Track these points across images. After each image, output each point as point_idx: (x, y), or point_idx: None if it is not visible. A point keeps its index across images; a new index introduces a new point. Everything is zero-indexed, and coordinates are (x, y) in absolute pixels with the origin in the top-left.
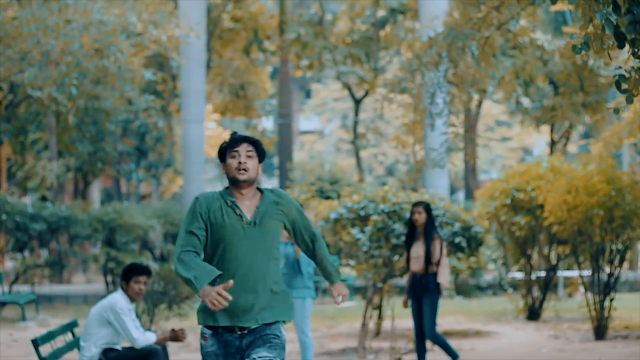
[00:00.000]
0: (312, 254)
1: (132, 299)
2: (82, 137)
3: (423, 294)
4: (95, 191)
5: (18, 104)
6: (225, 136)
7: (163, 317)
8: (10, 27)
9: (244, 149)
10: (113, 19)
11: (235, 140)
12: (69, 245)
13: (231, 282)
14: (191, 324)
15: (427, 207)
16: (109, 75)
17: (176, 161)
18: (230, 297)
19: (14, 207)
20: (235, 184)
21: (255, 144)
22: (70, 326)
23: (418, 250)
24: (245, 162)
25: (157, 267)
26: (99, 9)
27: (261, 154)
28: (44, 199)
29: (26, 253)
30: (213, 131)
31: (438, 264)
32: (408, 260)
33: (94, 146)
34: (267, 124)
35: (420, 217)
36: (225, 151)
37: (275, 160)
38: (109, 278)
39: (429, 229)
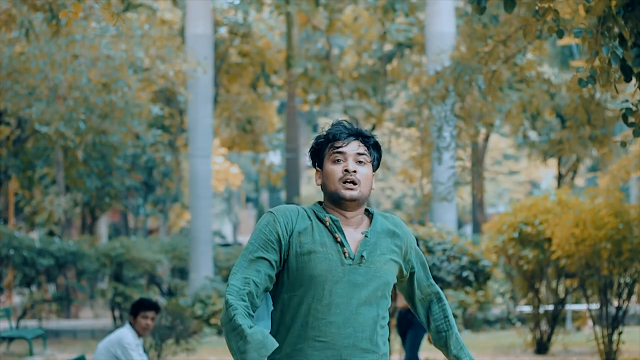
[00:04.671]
0: (427, 320)
1: (139, 334)
2: (90, 172)
3: (408, 329)
4: (103, 226)
5: (26, 139)
6: (235, 172)
7: (170, 352)
8: (18, 62)
9: (353, 149)
10: (120, 54)
11: (342, 135)
12: (77, 280)
13: None
14: (198, 359)
15: None
16: (117, 110)
17: (184, 196)
18: None
19: (21, 242)
20: (336, 202)
21: (371, 142)
22: None
23: None
24: (354, 171)
25: (165, 301)
26: (106, 44)
27: (378, 159)
28: (51, 234)
29: (34, 288)
30: (220, 166)
31: None
32: (394, 296)
33: (102, 181)
34: (274, 159)
35: None
36: (322, 150)
37: (283, 195)
38: (117, 313)
39: None
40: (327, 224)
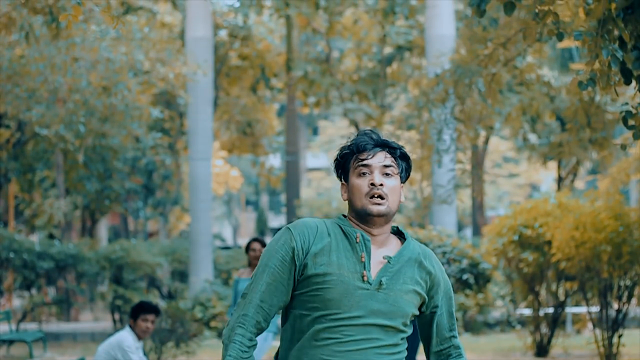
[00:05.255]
0: None
1: (139, 337)
2: (90, 175)
3: None
4: (103, 229)
5: (26, 142)
6: (235, 175)
7: (170, 355)
8: (18, 65)
9: (380, 161)
10: (120, 57)
11: (367, 147)
12: (77, 283)
13: None
14: None
15: None
16: (117, 113)
17: (183, 199)
18: None
19: (21, 245)
20: (362, 218)
21: (398, 153)
22: None
23: None
24: (381, 184)
25: (165, 304)
26: (106, 47)
27: (406, 169)
28: (51, 237)
29: (34, 291)
30: (220, 169)
31: None
32: None
33: (102, 184)
34: (274, 162)
35: None
36: (346, 162)
37: (283, 198)
38: (117, 316)
39: None
40: (357, 240)
